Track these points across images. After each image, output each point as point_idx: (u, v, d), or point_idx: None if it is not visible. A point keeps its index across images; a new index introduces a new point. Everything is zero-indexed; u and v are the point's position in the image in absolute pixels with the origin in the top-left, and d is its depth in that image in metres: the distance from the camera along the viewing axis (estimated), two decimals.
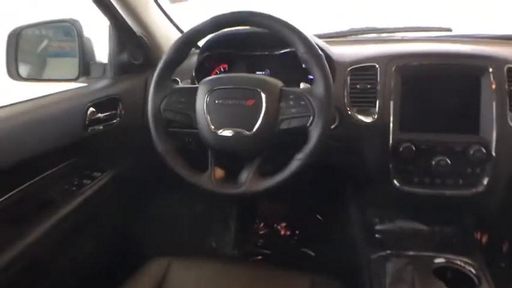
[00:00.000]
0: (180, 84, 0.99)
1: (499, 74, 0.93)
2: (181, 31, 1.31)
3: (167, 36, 1.23)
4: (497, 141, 0.91)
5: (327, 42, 1.11)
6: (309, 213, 1.62)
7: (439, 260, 0.99)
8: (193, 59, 1.14)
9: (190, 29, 0.87)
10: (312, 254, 1.58)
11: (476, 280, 0.96)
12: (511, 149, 0.93)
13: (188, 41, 0.88)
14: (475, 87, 0.95)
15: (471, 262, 1.00)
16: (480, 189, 0.94)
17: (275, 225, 1.67)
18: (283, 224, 1.67)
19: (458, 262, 0.99)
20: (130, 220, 1.32)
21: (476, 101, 0.94)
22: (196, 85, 0.88)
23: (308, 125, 0.81)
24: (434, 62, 0.97)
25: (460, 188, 0.95)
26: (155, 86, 0.88)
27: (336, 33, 1.34)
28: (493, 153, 0.92)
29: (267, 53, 1.13)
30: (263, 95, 0.81)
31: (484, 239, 1.39)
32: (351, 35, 1.34)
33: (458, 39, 1.23)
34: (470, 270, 0.98)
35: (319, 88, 0.81)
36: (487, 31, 1.31)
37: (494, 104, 0.92)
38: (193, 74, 1.10)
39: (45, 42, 1.21)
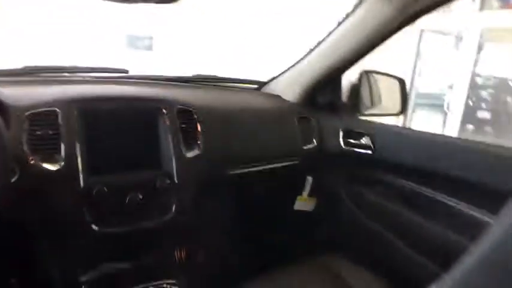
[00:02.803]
0: None
1: (171, 114, 1.08)
2: None
3: None
4: (177, 171, 1.05)
5: None
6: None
7: None
8: None
9: None
10: None
11: None
12: (189, 176, 1.09)
13: None
14: (154, 126, 1.06)
15: (175, 281, 1.10)
16: (171, 215, 1.05)
17: None
18: None
19: (165, 285, 1.08)
20: None
21: (156, 138, 1.06)
22: None
23: None
24: (113, 106, 1.02)
25: (155, 218, 1.03)
26: None
27: (9, 71, 1.20)
28: (176, 181, 1.05)
29: None
30: None
31: (184, 255, 1.57)
32: (25, 74, 1.23)
33: (135, 81, 1.35)
34: None
35: None
36: (161, 73, 1.50)
37: (170, 139, 1.05)
38: None
39: None
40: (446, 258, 0.49)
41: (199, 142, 1.13)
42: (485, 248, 0.42)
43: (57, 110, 0.94)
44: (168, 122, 1.06)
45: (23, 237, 1.12)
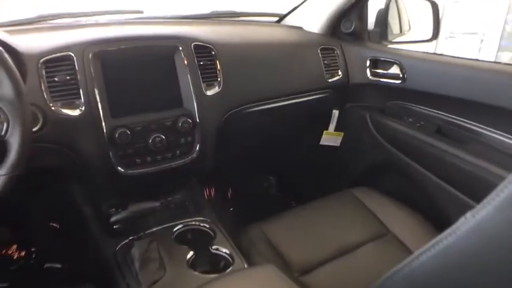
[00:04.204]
0: None
1: (188, 51, 1.04)
2: None
3: None
4: (198, 109, 1.03)
5: (9, 31, 0.97)
6: (40, 223, 1.44)
7: (177, 227, 1.08)
8: None
9: None
10: (59, 266, 1.44)
11: (212, 233, 1.09)
12: (210, 114, 1.07)
13: None
14: (172, 65, 1.03)
15: (204, 218, 1.13)
16: (195, 154, 1.05)
17: (3, 252, 1.42)
18: (14, 247, 1.43)
19: (194, 222, 1.11)
20: None
21: (175, 77, 1.03)
22: None
23: (3, 133, 0.71)
24: (129, 46, 0.99)
25: (178, 158, 1.03)
26: None
27: (21, 20, 1.18)
28: (198, 121, 1.04)
29: None
30: None
31: (212, 193, 1.61)
32: (39, 21, 1.20)
33: (150, 21, 1.30)
34: (204, 226, 1.11)
35: (7, 89, 0.71)
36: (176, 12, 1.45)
37: (189, 77, 1.03)
38: None
39: None
40: (480, 189, 0.46)
41: (219, 79, 1.09)
42: None
43: (72, 54, 0.92)
44: (185, 60, 1.03)
45: (56, 183, 1.16)
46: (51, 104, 0.89)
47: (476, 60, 1.23)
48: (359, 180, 1.47)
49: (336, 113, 1.47)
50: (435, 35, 1.45)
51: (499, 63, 1.24)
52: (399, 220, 1.17)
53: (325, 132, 1.50)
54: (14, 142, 0.71)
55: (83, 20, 1.25)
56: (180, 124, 1.01)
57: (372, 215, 1.19)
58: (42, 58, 0.90)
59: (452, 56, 1.24)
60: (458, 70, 1.17)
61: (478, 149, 1.09)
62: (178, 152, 1.03)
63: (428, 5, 1.43)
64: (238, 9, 1.52)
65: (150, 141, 0.97)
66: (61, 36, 1.01)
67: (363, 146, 1.45)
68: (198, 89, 1.04)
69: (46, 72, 0.90)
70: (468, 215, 0.45)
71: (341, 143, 1.54)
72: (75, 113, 0.91)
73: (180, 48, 1.03)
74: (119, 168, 0.96)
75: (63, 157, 0.94)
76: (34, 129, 0.85)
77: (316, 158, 1.63)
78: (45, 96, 0.89)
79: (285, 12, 1.53)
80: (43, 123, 0.88)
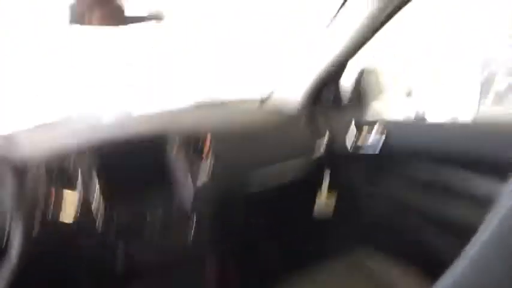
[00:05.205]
0: None
1: (177, 143, 1.10)
2: None
3: None
4: (189, 199, 1.07)
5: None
6: None
7: None
8: None
9: None
10: None
11: None
12: (201, 203, 1.09)
13: None
14: (162, 158, 1.08)
15: None
16: (190, 243, 1.07)
17: None
18: None
19: None
20: None
21: (167, 169, 1.08)
22: None
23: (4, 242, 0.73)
24: (123, 149, 1.05)
25: (173, 248, 1.07)
26: None
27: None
28: (190, 210, 1.07)
29: None
30: None
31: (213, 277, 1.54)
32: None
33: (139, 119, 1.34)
34: None
35: (8, 194, 0.78)
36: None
37: (179, 168, 1.08)
38: None
39: None
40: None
41: (208, 168, 1.13)
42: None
43: (72, 164, 0.97)
44: (175, 152, 1.08)
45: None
46: (47, 212, 0.92)
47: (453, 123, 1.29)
48: (360, 237, 1.45)
49: (327, 177, 1.50)
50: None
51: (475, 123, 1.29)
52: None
53: (318, 194, 1.52)
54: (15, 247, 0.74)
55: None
56: (172, 215, 1.04)
57: (377, 278, 1.17)
58: (42, 165, 0.94)
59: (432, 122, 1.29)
60: (437, 129, 1.22)
61: (467, 199, 1.11)
62: (173, 241, 1.05)
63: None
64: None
65: (144, 231, 1.00)
66: (61, 142, 1.05)
67: (357, 205, 1.46)
68: (188, 179, 1.08)
69: (44, 181, 0.93)
70: None
71: (336, 201, 1.55)
72: (71, 220, 0.94)
73: (170, 141, 1.09)
74: (116, 265, 0.97)
75: (61, 260, 0.95)
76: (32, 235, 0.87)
77: (312, 222, 1.63)
78: (41, 203, 0.91)
79: (267, 92, 1.60)
80: (40, 230, 0.90)
